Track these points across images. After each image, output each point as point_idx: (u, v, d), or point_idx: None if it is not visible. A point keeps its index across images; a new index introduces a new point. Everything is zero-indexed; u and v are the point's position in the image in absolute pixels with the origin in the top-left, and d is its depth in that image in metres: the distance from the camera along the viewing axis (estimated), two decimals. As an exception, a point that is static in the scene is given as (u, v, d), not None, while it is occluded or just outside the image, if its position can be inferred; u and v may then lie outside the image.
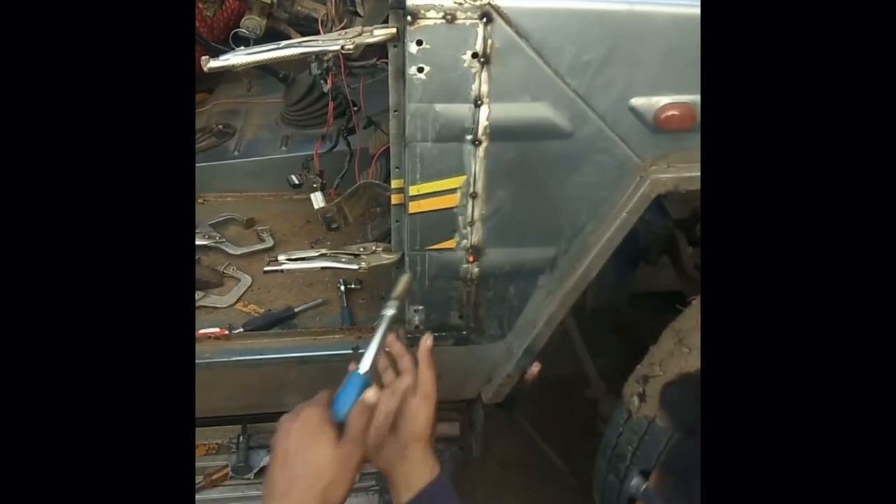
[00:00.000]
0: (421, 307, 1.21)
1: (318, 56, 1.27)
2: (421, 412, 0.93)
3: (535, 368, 1.28)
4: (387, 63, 1.30)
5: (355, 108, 1.41)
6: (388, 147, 1.23)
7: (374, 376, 0.90)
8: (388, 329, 0.94)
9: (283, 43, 0.96)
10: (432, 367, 0.96)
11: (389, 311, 0.95)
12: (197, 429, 1.38)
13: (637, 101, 1.02)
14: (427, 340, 0.97)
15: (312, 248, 1.53)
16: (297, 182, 1.52)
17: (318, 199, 1.35)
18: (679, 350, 1.26)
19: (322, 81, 1.33)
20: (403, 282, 1.02)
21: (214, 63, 0.91)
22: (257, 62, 0.94)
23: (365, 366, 0.90)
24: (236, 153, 1.76)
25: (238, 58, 0.93)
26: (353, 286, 1.48)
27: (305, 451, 0.82)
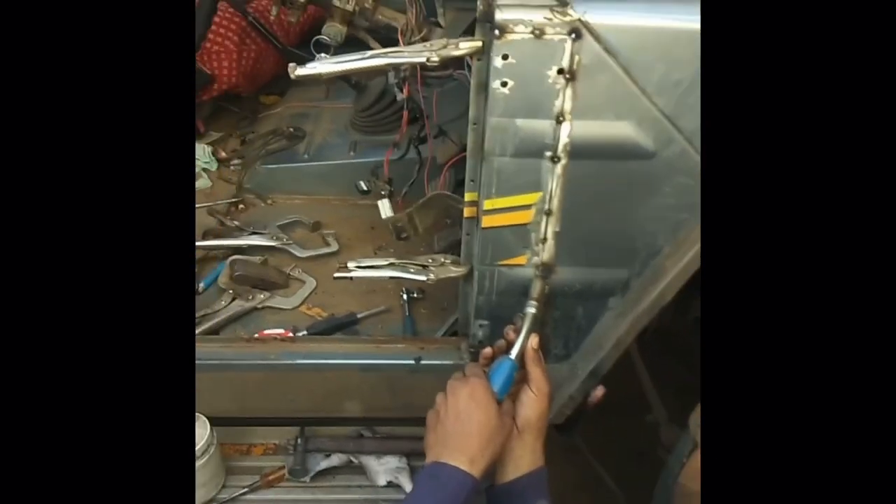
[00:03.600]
0: (486, 322, 1.20)
1: (396, 65, 1.27)
2: (537, 404, 1.02)
3: (600, 392, 1.25)
4: (461, 73, 1.30)
5: (427, 117, 1.41)
6: (459, 157, 1.23)
7: (519, 365, 1.03)
8: (532, 326, 1.04)
9: (369, 53, 0.96)
10: (540, 363, 1.03)
11: (531, 310, 1.06)
12: (255, 428, 1.39)
13: (726, 124, 0.98)
14: (533, 340, 1.03)
15: (376, 254, 1.54)
16: (365, 188, 1.53)
17: (385, 207, 1.36)
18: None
19: (397, 90, 1.33)
20: (539, 285, 1.10)
21: (302, 71, 0.92)
22: (343, 71, 0.95)
23: (514, 353, 1.02)
24: (306, 156, 1.79)
25: (325, 66, 0.94)
26: (415, 295, 1.48)
27: (478, 414, 0.95)
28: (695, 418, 1.27)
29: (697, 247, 1.07)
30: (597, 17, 0.91)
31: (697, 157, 1.01)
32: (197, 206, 1.65)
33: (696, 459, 0.81)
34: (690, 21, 0.94)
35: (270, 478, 1.32)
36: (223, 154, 1.87)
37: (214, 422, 1.24)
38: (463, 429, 0.94)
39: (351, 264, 1.17)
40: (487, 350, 1.08)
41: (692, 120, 0.98)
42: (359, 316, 1.41)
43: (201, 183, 1.80)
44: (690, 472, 0.80)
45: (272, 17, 1.52)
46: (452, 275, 1.17)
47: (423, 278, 1.17)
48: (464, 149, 1.15)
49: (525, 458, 1.00)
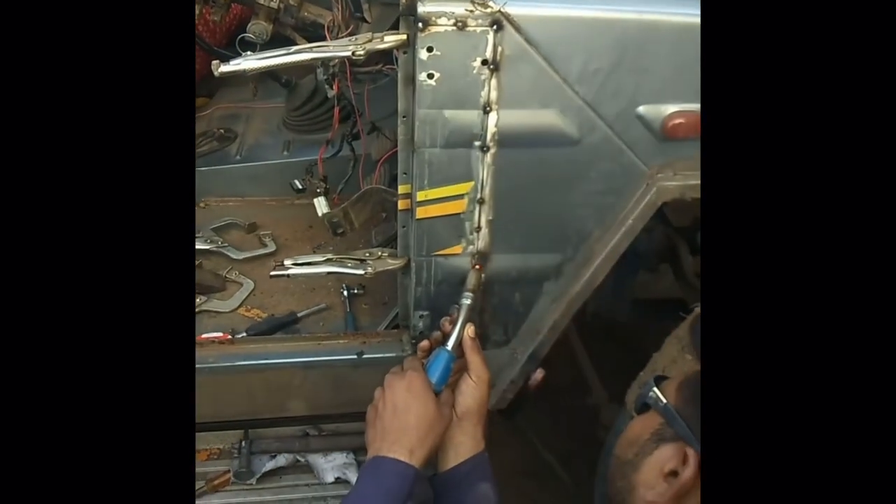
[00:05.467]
0: (426, 312, 1.21)
1: (325, 61, 1.27)
2: (476, 391, 1.04)
3: (539, 375, 1.29)
4: (391, 69, 1.31)
5: (360, 114, 1.42)
6: (393, 152, 1.23)
7: (457, 355, 1.05)
8: (468, 316, 1.06)
9: (294, 49, 0.96)
10: (478, 351, 1.05)
11: (467, 301, 1.07)
12: (198, 434, 1.37)
13: (644, 109, 1.02)
14: (469, 329, 1.05)
15: (315, 252, 1.53)
16: (300, 187, 1.52)
17: (321, 204, 1.35)
18: (682, 357, 1.27)
19: (327, 86, 1.33)
20: (474, 276, 1.11)
21: (226, 68, 0.91)
22: (268, 67, 0.95)
23: (451, 344, 1.04)
24: (238, 157, 1.76)
25: (249, 63, 0.93)
26: (355, 291, 1.48)
27: (416, 406, 0.97)
28: (631, 395, 1.32)
29: (624, 229, 1.11)
30: (516, 9, 0.94)
31: (620, 143, 1.05)
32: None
33: (629, 430, 0.84)
34: (607, 11, 0.98)
35: (216, 482, 1.30)
36: (152, 158, 1.82)
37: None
38: (401, 421, 0.96)
39: (287, 262, 1.17)
40: (424, 343, 1.10)
41: (613, 107, 1.02)
42: (299, 315, 1.40)
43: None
44: (623, 442, 0.83)
45: (196, 17, 1.49)
46: (390, 267, 1.18)
47: (361, 272, 1.17)
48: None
49: (466, 445, 1.02)
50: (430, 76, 0.96)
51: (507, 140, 1.03)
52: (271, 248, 1.57)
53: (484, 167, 1.05)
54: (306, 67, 1.58)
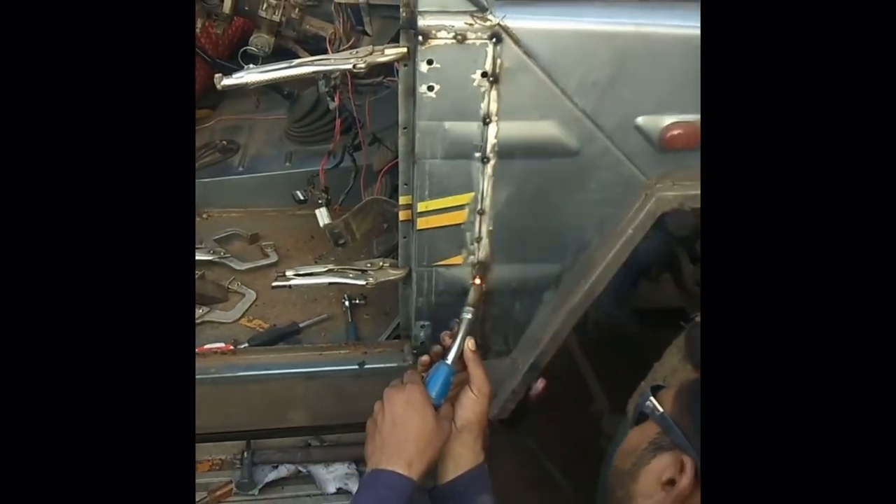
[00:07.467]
0: (427, 323, 1.22)
1: (326, 74, 1.29)
2: (477, 404, 1.03)
3: (540, 384, 1.29)
4: (392, 81, 1.32)
5: (361, 125, 1.43)
6: (394, 163, 1.24)
7: (457, 368, 1.05)
8: (468, 330, 1.06)
9: (296, 62, 0.97)
10: (480, 364, 1.05)
11: (468, 316, 1.07)
12: (200, 444, 1.37)
13: (643, 120, 1.03)
14: (470, 342, 1.05)
15: (317, 263, 1.54)
16: (302, 198, 1.53)
17: (323, 215, 1.36)
18: (682, 366, 1.27)
19: (329, 99, 1.34)
20: (476, 291, 1.12)
21: (228, 81, 0.92)
22: (270, 80, 0.96)
23: (451, 358, 1.04)
24: (240, 169, 1.77)
25: (252, 76, 0.94)
26: (357, 301, 1.48)
27: (414, 419, 0.97)
28: (632, 405, 1.32)
29: (623, 239, 1.12)
30: (515, 22, 0.95)
31: (619, 154, 1.06)
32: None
33: (627, 440, 0.84)
34: (605, 23, 0.99)
35: (218, 493, 1.31)
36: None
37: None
38: (400, 434, 0.96)
39: (289, 272, 1.17)
40: (425, 357, 1.10)
41: (611, 118, 1.03)
42: (301, 325, 1.41)
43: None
44: (621, 452, 0.83)
45: (198, 30, 1.50)
46: (391, 278, 1.19)
47: (363, 282, 1.18)
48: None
49: (465, 457, 1.02)
50: (431, 88, 0.97)
51: (507, 151, 1.04)
52: (273, 258, 1.58)
53: (484, 178, 1.06)
54: (308, 80, 1.59)
